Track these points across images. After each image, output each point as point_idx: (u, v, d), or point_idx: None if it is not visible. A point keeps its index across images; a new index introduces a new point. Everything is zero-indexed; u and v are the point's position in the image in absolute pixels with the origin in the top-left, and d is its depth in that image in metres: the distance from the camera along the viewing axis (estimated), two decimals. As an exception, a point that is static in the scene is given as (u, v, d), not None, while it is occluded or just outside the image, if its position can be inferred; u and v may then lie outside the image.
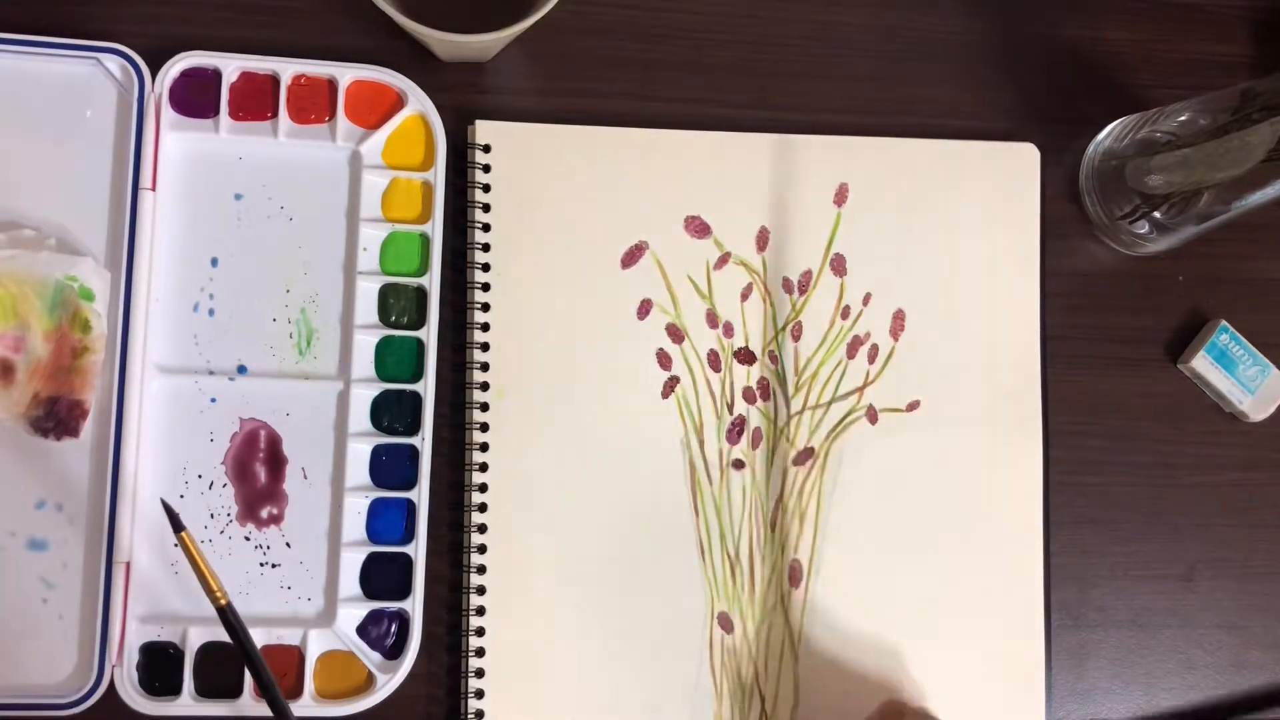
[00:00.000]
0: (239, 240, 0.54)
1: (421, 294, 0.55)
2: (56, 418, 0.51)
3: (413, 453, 0.54)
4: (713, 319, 0.57)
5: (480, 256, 0.55)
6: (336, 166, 0.55)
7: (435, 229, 0.55)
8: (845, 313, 0.58)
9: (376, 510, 0.54)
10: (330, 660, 0.53)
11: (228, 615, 0.47)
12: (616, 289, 0.56)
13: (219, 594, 0.47)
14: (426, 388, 0.54)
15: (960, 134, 0.59)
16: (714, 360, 0.57)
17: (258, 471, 0.53)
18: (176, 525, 0.47)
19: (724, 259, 0.57)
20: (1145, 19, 0.62)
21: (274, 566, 0.53)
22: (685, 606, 0.55)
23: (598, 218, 0.56)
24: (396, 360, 0.54)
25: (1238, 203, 0.54)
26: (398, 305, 0.55)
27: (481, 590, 0.53)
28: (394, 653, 0.53)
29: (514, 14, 0.49)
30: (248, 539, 0.53)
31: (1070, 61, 0.61)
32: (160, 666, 0.52)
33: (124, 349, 0.52)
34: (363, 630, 0.53)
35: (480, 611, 0.53)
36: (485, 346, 0.55)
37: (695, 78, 0.58)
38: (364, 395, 0.54)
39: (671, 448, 0.56)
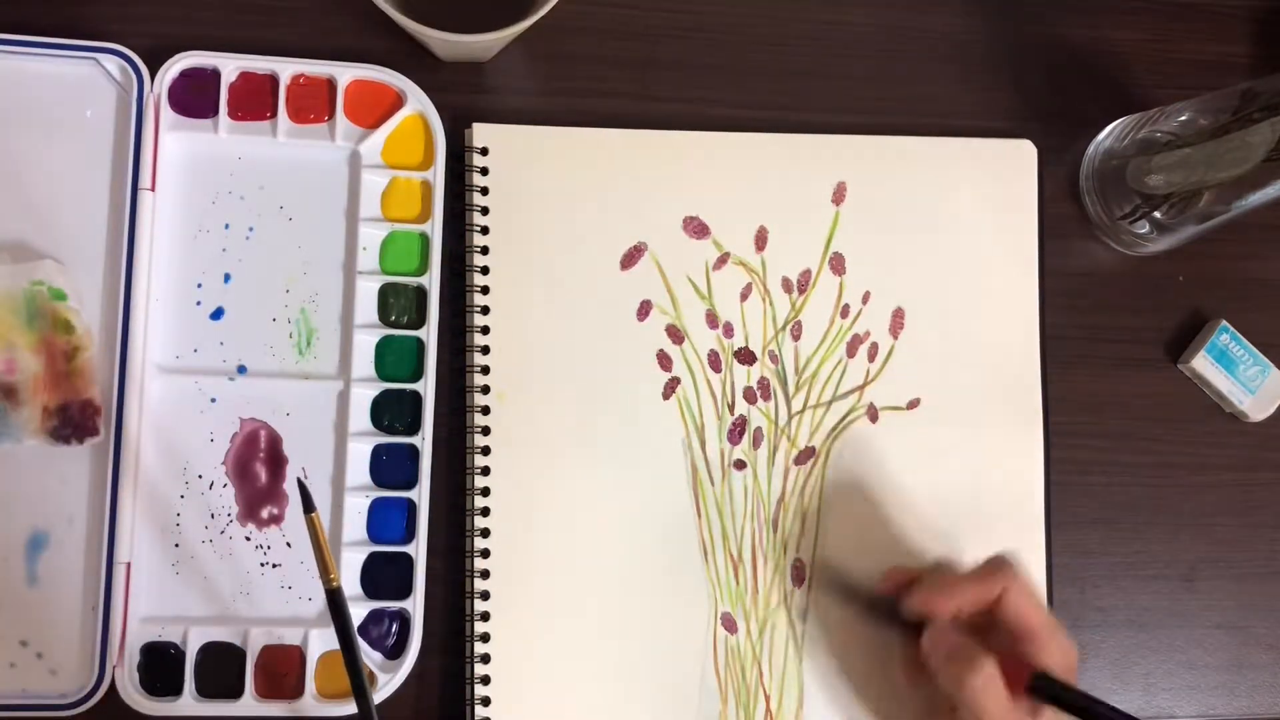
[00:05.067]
0: (238, 240, 0.54)
1: (421, 293, 0.55)
2: (72, 423, 0.51)
3: (413, 452, 0.54)
4: (712, 319, 0.57)
5: (480, 257, 0.55)
6: (336, 166, 0.55)
7: (435, 228, 0.55)
8: (845, 311, 0.58)
9: (376, 510, 0.54)
10: (331, 660, 0.53)
11: (336, 598, 0.48)
12: (616, 290, 0.56)
13: (333, 575, 0.48)
14: (426, 387, 0.54)
15: (960, 134, 0.59)
16: (714, 361, 0.56)
17: (258, 471, 0.53)
18: (308, 506, 0.48)
19: (723, 259, 0.57)
20: (1145, 19, 0.62)
21: (275, 566, 0.53)
22: (688, 607, 0.55)
23: (597, 218, 0.56)
24: (396, 360, 0.54)
25: (1238, 203, 0.54)
26: (397, 305, 0.55)
27: (485, 593, 0.53)
28: (394, 653, 0.53)
29: (514, 14, 0.49)
30: (248, 539, 0.53)
31: (1070, 61, 0.61)
32: (161, 667, 0.52)
33: (124, 349, 0.52)
34: (363, 630, 0.53)
35: (485, 616, 0.53)
36: (485, 347, 0.54)
37: (695, 78, 0.58)
38: (364, 395, 0.54)
39: (673, 449, 0.56)
